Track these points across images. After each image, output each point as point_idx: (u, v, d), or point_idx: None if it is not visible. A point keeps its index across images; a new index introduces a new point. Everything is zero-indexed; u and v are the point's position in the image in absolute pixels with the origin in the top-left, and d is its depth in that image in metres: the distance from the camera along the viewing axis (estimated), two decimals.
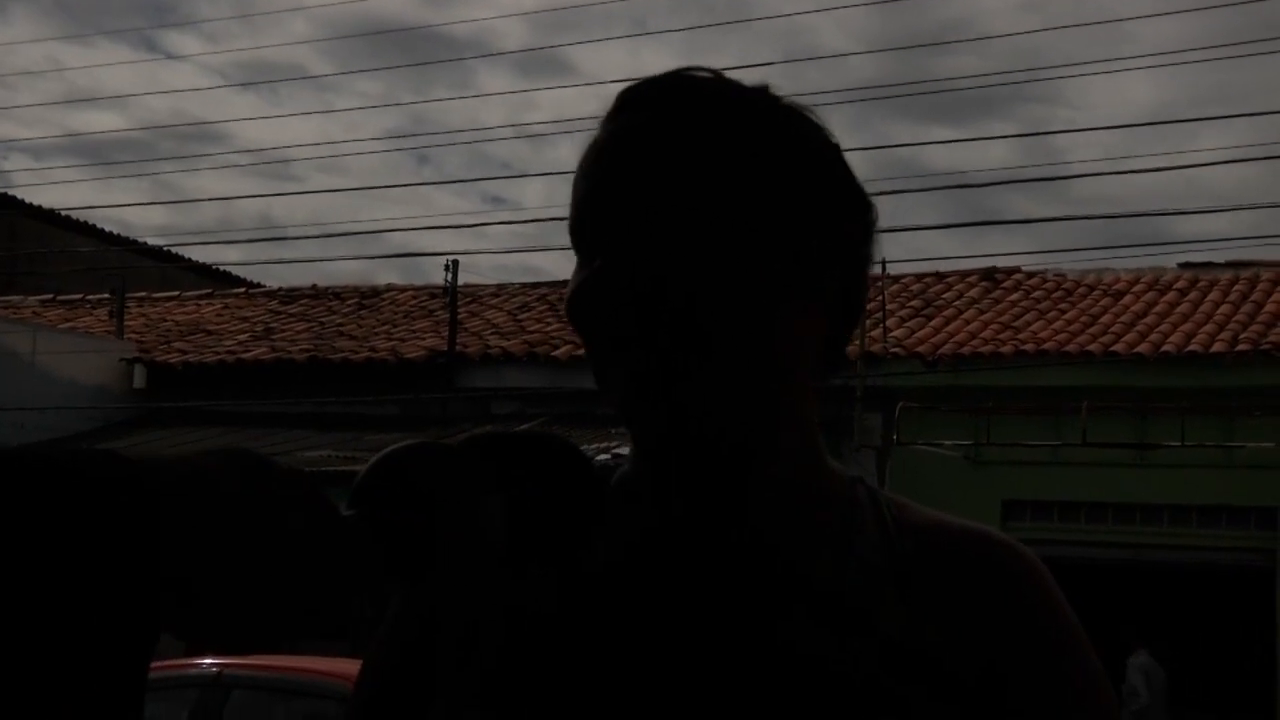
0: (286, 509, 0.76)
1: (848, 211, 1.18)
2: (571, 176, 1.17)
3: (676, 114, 1.14)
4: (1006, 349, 14.06)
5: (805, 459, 1.17)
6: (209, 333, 18.26)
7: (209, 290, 21.41)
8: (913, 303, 16.19)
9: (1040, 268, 17.34)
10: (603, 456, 11.82)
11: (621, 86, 1.18)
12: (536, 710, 1.10)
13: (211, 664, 6.79)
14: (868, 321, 13.89)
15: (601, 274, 1.10)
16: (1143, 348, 13.70)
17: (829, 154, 1.18)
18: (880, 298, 14.31)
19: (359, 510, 0.84)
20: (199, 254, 28.82)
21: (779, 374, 1.13)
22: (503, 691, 1.12)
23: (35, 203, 22.99)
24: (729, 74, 1.19)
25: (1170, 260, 17.22)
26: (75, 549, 0.68)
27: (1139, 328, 14.40)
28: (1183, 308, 15.09)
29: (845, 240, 1.16)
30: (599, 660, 1.11)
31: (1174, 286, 16.00)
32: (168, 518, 0.71)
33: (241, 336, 17.81)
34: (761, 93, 1.18)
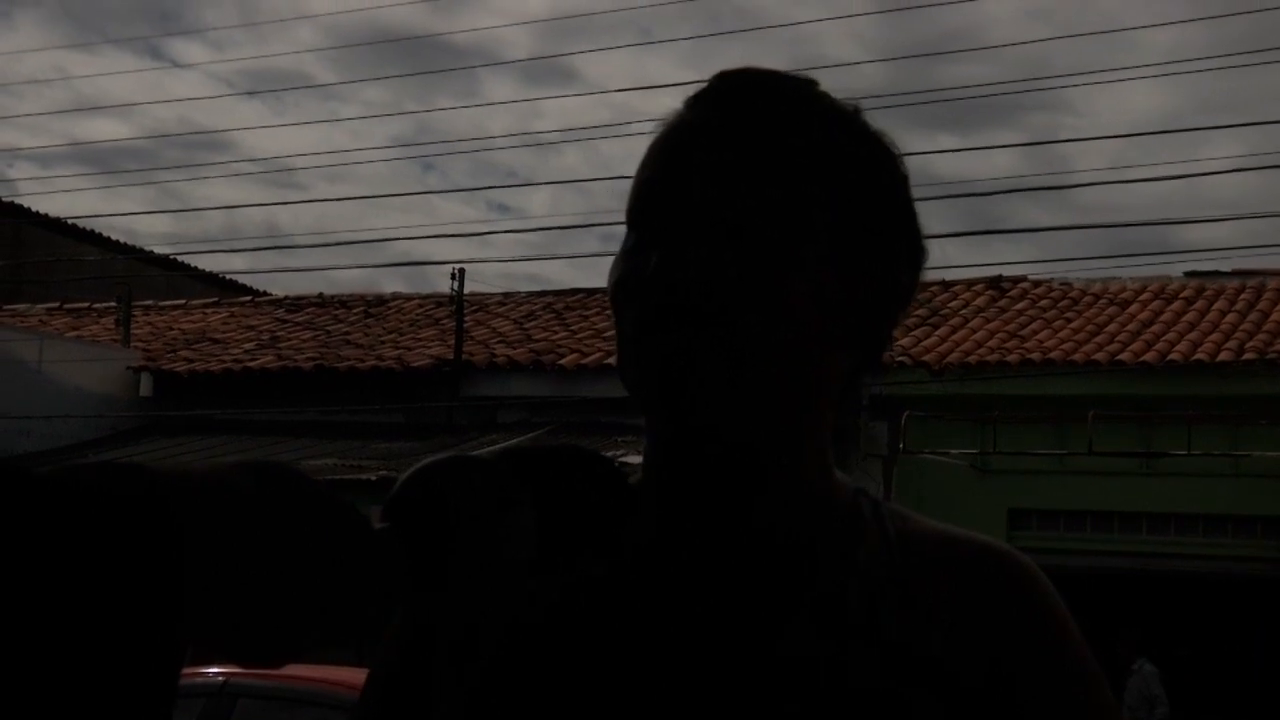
0: (315, 523, 0.76)
1: (906, 258, 1.17)
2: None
3: (766, 116, 1.12)
4: (1013, 358, 14.04)
5: (814, 472, 1.17)
6: (215, 341, 18.27)
7: (215, 298, 21.42)
8: (919, 311, 16.16)
9: (1046, 276, 17.32)
10: None
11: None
12: (536, 718, 1.10)
13: (217, 673, 6.79)
14: None
15: (657, 272, 1.09)
16: (1149, 356, 13.68)
17: (902, 193, 1.17)
18: None
19: (392, 523, 0.84)
20: (205, 262, 28.84)
21: (804, 395, 1.13)
22: (502, 701, 1.12)
23: (41, 211, 23.05)
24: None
25: (1176, 269, 17.18)
26: (97, 566, 0.67)
27: (1145, 336, 14.38)
28: (1189, 316, 15.08)
29: (896, 287, 1.16)
30: (598, 668, 1.11)
31: (1180, 295, 15.98)
32: (191, 532, 0.70)
33: (247, 345, 17.82)
34: (853, 115, 1.17)
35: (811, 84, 1.17)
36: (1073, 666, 1.14)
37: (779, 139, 1.11)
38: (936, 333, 15.25)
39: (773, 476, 1.14)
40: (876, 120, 1.18)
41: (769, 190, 1.09)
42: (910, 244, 1.18)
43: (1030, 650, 1.12)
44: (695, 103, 1.14)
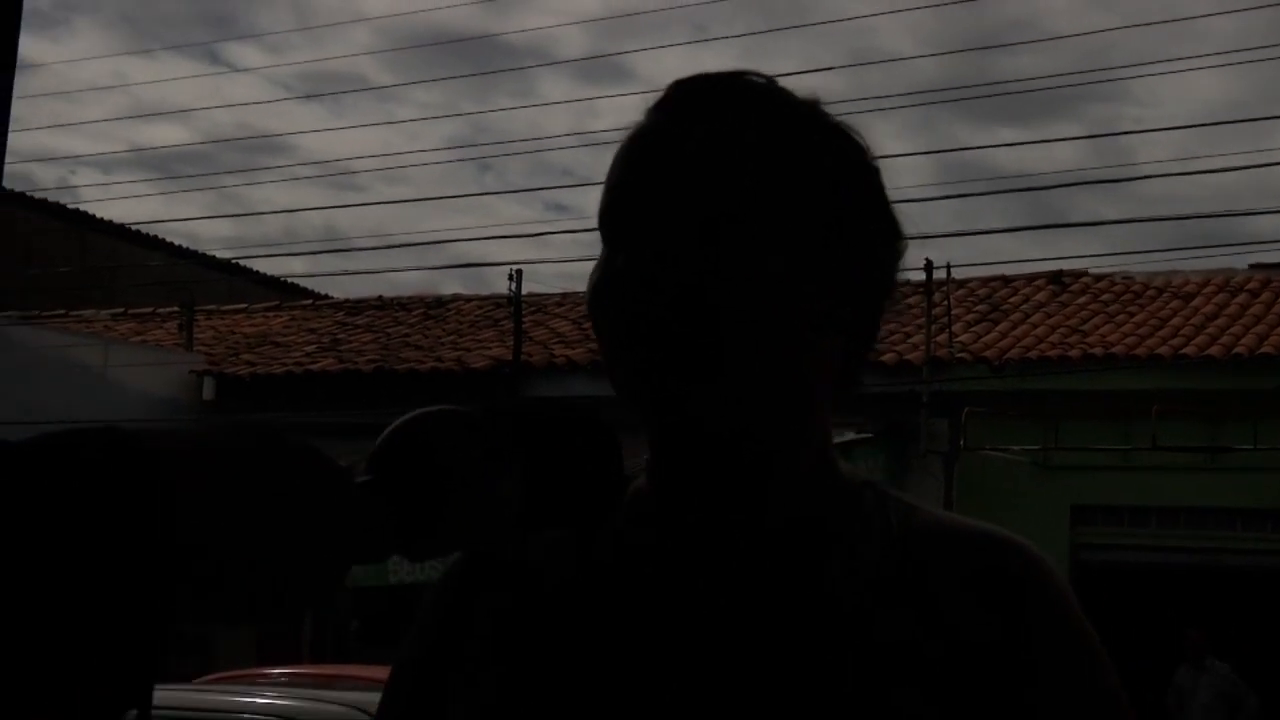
0: (300, 478, 0.76)
1: (880, 236, 1.18)
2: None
3: (724, 116, 1.14)
4: (1074, 353, 13.94)
5: (815, 467, 1.17)
6: (277, 344, 18.41)
7: (276, 302, 21.58)
8: (979, 307, 16.08)
9: (1108, 270, 17.17)
10: None
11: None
12: (548, 715, 1.11)
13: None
14: (934, 326, 13.83)
15: (624, 272, 1.10)
16: (1213, 350, 13.54)
17: (869, 176, 1.19)
18: (946, 302, 14.22)
19: (376, 475, 0.83)
20: (265, 266, 29.06)
21: (795, 386, 1.14)
22: (516, 696, 1.13)
23: (104, 217, 23.31)
24: (786, 81, 1.19)
25: (1241, 261, 17.00)
26: (79, 530, 0.67)
27: (1209, 330, 14.24)
28: (1254, 309, 14.91)
29: (874, 264, 1.17)
30: (606, 664, 1.12)
31: (1245, 288, 15.80)
32: (182, 491, 0.70)
33: (309, 348, 17.94)
34: (811, 107, 1.18)
35: (769, 81, 1.18)
36: (1080, 660, 1.13)
37: (738, 135, 1.13)
38: (997, 328, 15.16)
39: (773, 469, 1.15)
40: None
41: (730, 184, 1.11)
42: (884, 228, 1.18)
43: (1035, 643, 1.11)
44: (655, 110, 1.16)
